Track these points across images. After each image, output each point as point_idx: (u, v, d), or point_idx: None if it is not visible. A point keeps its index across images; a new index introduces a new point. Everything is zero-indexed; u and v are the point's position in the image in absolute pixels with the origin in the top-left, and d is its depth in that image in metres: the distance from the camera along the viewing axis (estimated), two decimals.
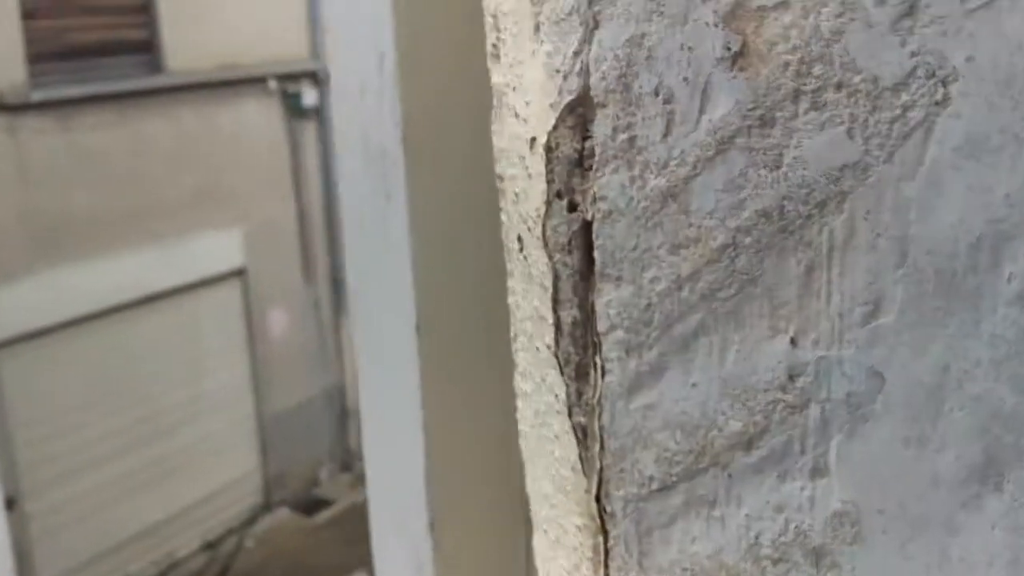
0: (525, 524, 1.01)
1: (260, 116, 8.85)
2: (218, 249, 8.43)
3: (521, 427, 0.62)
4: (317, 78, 9.26)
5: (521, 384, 0.61)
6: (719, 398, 0.47)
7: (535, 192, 0.51)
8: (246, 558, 8.30)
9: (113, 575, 7.81)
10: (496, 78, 0.59)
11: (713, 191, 0.45)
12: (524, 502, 1.00)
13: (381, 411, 0.98)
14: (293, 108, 9.10)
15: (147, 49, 8.07)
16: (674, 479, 0.49)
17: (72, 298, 7.40)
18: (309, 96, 9.18)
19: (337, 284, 9.59)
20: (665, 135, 0.45)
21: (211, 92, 8.36)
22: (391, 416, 0.96)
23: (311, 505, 9.07)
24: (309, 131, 9.27)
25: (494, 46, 0.59)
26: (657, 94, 0.45)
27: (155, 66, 8.08)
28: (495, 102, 0.60)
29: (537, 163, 0.50)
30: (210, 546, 8.41)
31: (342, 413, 9.74)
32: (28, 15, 7.19)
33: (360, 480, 9.52)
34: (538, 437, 0.59)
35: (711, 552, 0.49)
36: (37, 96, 7.16)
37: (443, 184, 0.88)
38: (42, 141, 7.24)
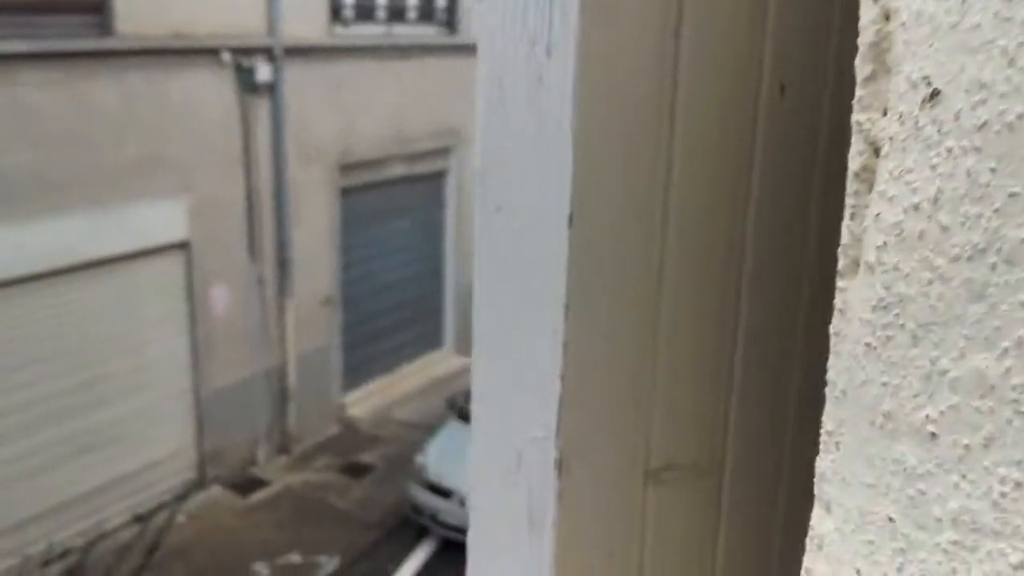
0: (645, 471, 0.78)
1: (211, 88, 8.65)
2: (161, 220, 8.21)
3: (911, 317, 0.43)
4: (272, 54, 9.09)
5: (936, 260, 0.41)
6: None
7: None
8: (177, 533, 8.08)
9: (38, 542, 7.55)
10: None
11: None
12: (649, 445, 0.77)
13: (505, 321, 0.78)
14: (246, 83, 8.91)
15: (98, 10, 7.84)
16: None
17: (5, 260, 7.14)
18: (263, 72, 9.00)
19: (283, 264, 9.41)
20: None
21: (162, 60, 8.15)
22: (519, 328, 0.76)
23: (246, 484, 8.89)
24: (262, 108, 9.09)
25: None
26: None
27: (105, 28, 7.85)
28: None
29: None
30: (140, 519, 8.18)
31: (281, 395, 9.55)
32: None
33: (296, 464, 9.36)
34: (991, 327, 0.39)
35: None
36: None
37: (621, 38, 0.68)
38: None
